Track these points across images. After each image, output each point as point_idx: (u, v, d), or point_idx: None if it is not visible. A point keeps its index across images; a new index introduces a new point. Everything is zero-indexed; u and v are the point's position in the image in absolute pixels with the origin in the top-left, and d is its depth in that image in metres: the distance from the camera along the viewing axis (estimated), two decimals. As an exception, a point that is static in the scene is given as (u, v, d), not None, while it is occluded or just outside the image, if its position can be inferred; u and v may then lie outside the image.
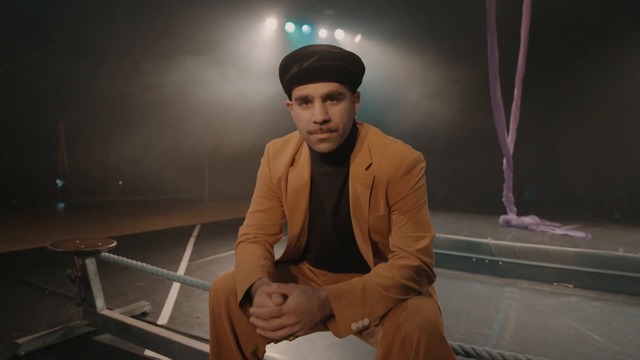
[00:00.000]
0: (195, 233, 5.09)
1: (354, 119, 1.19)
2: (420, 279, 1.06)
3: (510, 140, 4.67)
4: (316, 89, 1.04)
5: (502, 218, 4.31)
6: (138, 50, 6.90)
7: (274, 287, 0.97)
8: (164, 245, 4.37)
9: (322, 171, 1.19)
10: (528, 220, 4.17)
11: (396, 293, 1.02)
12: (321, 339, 2.14)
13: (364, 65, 1.12)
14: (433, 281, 1.11)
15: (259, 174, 1.30)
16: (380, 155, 1.15)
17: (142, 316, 2.43)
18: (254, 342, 1.16)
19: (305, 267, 1.37)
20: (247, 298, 1.06)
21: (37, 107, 6.76)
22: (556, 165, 6.49)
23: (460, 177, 7.30)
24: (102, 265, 2.26)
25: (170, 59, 7.15)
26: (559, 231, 3.94)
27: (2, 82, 6.54)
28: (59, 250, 2.10)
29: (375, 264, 1.18)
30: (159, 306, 2.60)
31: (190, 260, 3.81)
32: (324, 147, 1.08)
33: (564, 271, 3.26)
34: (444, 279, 3.31)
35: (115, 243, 2.25)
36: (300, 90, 1.06)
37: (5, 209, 6.40)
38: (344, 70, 1.05)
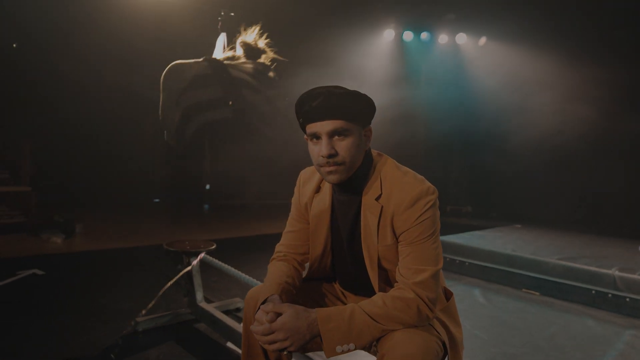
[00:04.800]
0: (306, 238, 5.45)
1: (368, 151, 1.25)
2: (413, 312, 1.07)
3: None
4: (323, 127, 1.15)
5: (643, 245, 3.60)
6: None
7: (270, 306, 1.10)
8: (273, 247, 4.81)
9: (340, 199, 1.28)
10: (680, 250, 3.41)
11: (384, 322, 1.06)
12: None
13: (371, 101, 1.19)
14: (431, 315, 1.10)
15: (292, 198, 1.44)
16: (390, 187, 1.19)
17: (235, 311, 2.79)
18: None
19: (337, 286, 1.46)
20: None
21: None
22: None
23: (605, 195, 6.26)
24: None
25: (293, 70, 7.77)
26: None
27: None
28: (171, 249, 2.57)
29: (380, 290, 1.21)
30: (252, 304, 2.93)
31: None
32: (332, 178, 1.18)
33: None
34: (551, 310, 2.94)
35: (214, 246, 2.64)
36: (310, 128, 1.18)
37: (163, 209, 7.78)
38: (347, 108, 1.14)
